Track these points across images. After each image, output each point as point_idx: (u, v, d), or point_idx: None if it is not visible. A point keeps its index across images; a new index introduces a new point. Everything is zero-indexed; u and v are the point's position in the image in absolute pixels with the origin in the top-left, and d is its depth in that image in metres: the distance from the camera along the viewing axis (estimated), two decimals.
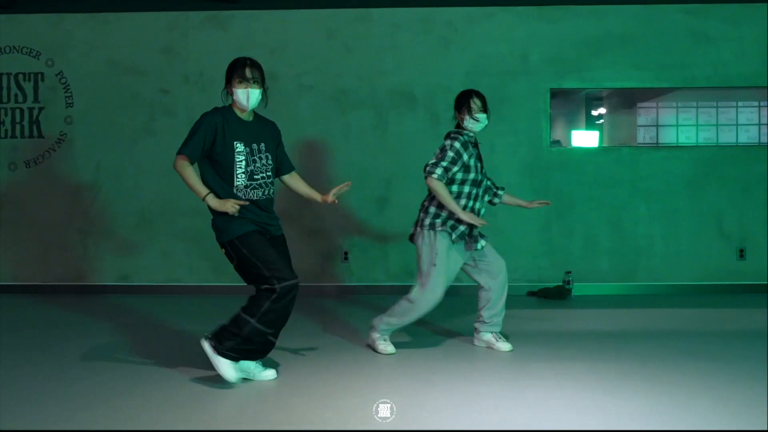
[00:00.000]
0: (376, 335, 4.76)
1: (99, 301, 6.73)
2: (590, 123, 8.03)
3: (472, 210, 4.71)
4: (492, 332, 4.88)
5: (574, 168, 7.10)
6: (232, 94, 4.06)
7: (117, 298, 6.91)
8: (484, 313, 4.86)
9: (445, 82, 7.08)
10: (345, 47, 7.11)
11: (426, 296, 4.61)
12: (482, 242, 4.74)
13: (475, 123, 4.75)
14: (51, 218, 7.21)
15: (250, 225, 3.95)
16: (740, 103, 7.26)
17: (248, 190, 3.96)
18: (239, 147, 3.96)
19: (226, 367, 3.89)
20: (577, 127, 7.80)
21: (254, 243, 3.92)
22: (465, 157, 4.65)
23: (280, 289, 3.83)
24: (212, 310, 6.29)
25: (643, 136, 7.35)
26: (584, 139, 7.60)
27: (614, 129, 7.65)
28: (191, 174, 3.94)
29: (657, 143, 7.31)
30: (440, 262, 4.60)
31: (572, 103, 7.69)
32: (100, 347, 4.95)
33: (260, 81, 4.08)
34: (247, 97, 4.02)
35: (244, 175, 3.95)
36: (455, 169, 4.60)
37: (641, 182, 7.10)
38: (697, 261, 7.13)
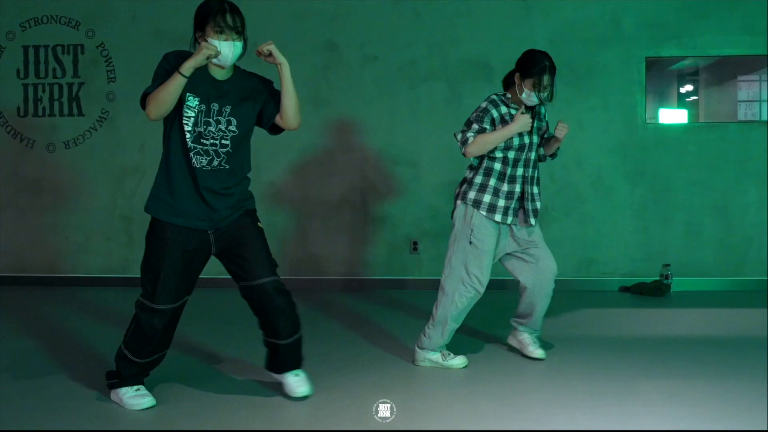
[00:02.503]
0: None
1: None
2: (680, 101, 7.28)
3: (522, 193, 4.02)
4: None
5: (673, 147, 6.33)
6: (202, 40, 3.27)
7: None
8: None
9: None
10: (414, 12, 6.43)
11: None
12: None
13: (534, 101, 4.00)
14: (93, 204, 6.69)
15: (171, 214, 3.37)
16: None
17: (192, 153, 3.28)
18: (192, 101, 3.26)
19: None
20: (665, 105, 7.06)
21: (158, 245, 3.42)
22: (495, 114, 3.96)
23: (139, 309, 3.40)
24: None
25: (745, 113, 6.56)
26: (672, 117, 6.89)
27: (711, 105, 6.89)
28: (159, 90, 3.22)
29: (760, 120, 6.48)
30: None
31: (662, 79, 6.94)
32: None
33: (242, 31, 3.31)
34: (230, 52, 3.27)
35: (189, 135, 3.27)
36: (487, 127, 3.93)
37: (751, 162, 6.32)
38: None
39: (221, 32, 3.22)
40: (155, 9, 6.57)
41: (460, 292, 3.98)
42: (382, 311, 5.56)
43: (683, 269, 6.31)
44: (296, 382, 3.50)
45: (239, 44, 3.28)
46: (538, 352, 4.18)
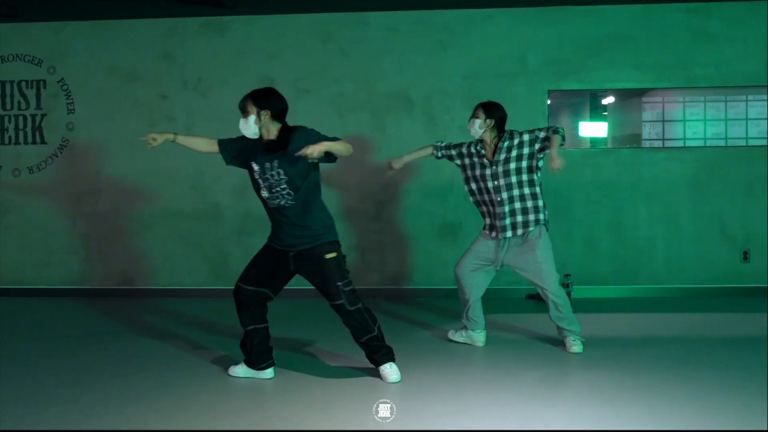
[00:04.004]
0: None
1: (101, 303, 6.82)
2: (597, 114, 7.94)
3: (492, 225, 5.06)
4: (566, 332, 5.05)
5: (573, 170, 6.98)
6: None
7: (119, 301, 6.98)
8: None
9: (442, 85, 7.07)
10: (342, 51, 7.11)
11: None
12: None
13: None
14: (54, 223, 7.32)
15: (270, 240, 4.43)
16: (750, 97, 7.12)
17: (270, 201, 4.32)
18: (255, 167, 4.30)
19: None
20: (583, 119, 7.71)
21: (260, 251, 4.47)
22: (464, 150, 5.15)
23: (235, 287, 4.42)
24: (211, 312, 6.37)
25: (649, 132, 7.21)
26: (592, 129, 7.55)
27: (619, 124, 7.55)
28: (201, 137, 4.78)
29: (663, 138, 7.18)
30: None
31: (578, 96, 7.63)
32: (115, 350, 5.06)
33: (246, 110, 4.33)
34: (241, 129, 4.36)
35: (265, 190, 4.29)
36: (448, 148, 5.21)
37: (642, 184, 7.03)
38: (700, 263, 7.03)
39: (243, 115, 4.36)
40: (110, 47, 7.24)
41: None
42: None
43: (582, 278, 6.99)
44: (387, 372, 4.30)
45: (243, 120, 4.33)
46: (575, 347, 4.95)
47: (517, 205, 4.92)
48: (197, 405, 3.92)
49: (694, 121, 7.19)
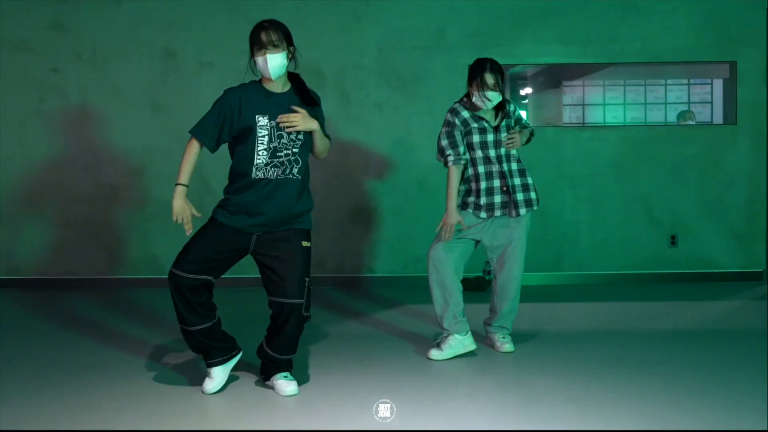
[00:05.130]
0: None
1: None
2: (516, 102, 7.67)
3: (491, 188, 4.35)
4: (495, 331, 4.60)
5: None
6: (254, 64, 3.65)
7: (6, 291, 6.48)
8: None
9: (355, 59, 6.67)
10: (248, 21, 6.44)
11: None
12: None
13: (486, 102, 4.31)
14: None
15: (227, 216, 3.66)
16: (669, 81, 6.89)
17: (268, 168, 3.61)
18: (262, 120, 3.59)
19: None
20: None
21: (202, 229, 3.70)
22: (458, 122, 4.34)
23: (170, 273, 3.64)
24: (113, 304, 5.95)
25: (569, 116, 6.98)
26: None
27: (539, 109, 7.28)
28: (186, 157, 3.66)
29: (583, 123, 6.91)
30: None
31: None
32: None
33: (283, 44, 3.60)
34: (266, 63, 3.56)
35: (266, 152, 3.60)
36: (458, 140, 4.32)
37: (566, 165, 6.72)
38: (626, 248, 6.77)
39: (259, 49, 3.57)
40: None
41: None
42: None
43: None
44: (285, 383, 3.72)
45: (278, 56, 3.55)
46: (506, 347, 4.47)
47: (520, 180, 4.41)
48: (190, 406, 3.64)
49: (614, 105, 6.97)
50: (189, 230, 3.65)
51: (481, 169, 4.33)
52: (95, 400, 3.67)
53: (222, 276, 3.76)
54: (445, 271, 4.34)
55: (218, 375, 3.77)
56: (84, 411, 3.53)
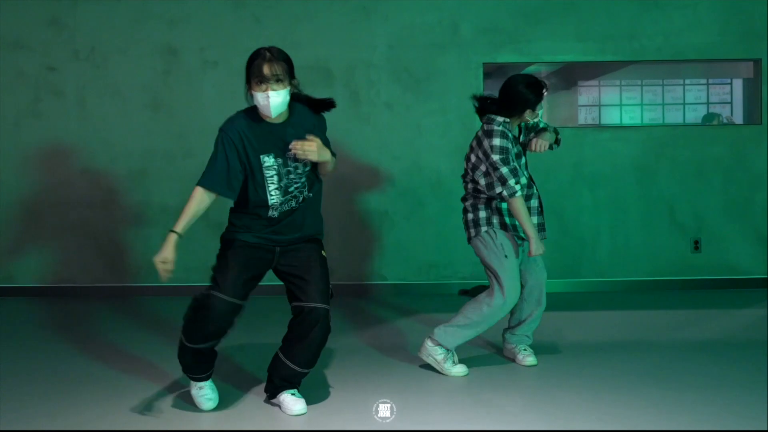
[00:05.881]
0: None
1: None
2: None
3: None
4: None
5: None
6: (251, 95, 3.36)
7: (3, 301, 6.30)
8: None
9: (365, 56, 6.53)
10: (253, 17, 6.49)
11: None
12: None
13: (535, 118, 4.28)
14: None
15: (246, 236, 3.47)
16: (687, 81, 6.73)
17: (284, 205, 3.43)
18: (268, 161, 3.37)
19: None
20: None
21: (230, 252, 3.47)
22: (510, 146, 4.10)
23: (201, 296, 3.41)
24: (115, 313, 5.83)
25: (585, 117, 6.84)
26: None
27: (554, 109, 7.12)
28: (188, 205, 3.38)
29: (599, 124, 6.73)
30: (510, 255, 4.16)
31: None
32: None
33: (286, 78, 3.32)
34: (267, 101, 3.28)
35: (278, 191, 3.40)
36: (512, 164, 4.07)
37: (585, 166, 6.56)
38: (648, 254, 6.63)
39: (260, 83, 3.27)
40: None
41: None
42: None
43: None
44: (293, 401, 3.55)
45: (282, 92, 3.29)
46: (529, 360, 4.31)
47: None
48: (188, 408, 3.63)
49: (630, 106, 6.83)
50: (165, 279, 3.37)
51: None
52: (94, 414, 3.57)
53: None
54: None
55: (211, 389, 3.66)
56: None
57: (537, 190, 4.30)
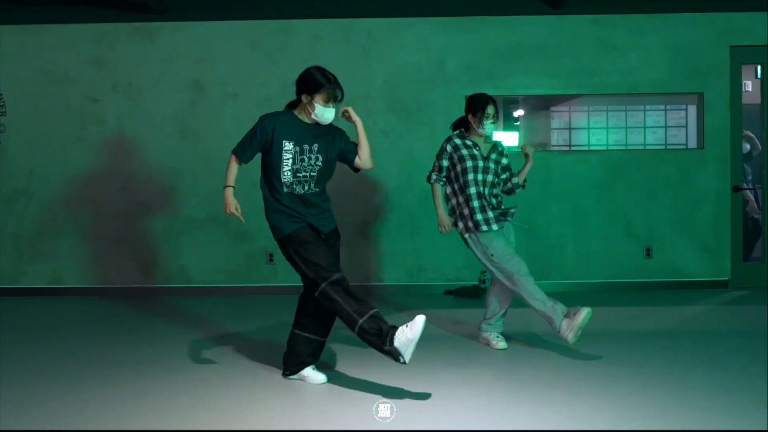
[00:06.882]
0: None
1: (32, 303, 6.98)
2: (509, 124, 8.33)
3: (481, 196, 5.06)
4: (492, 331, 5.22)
5: None
6: (308, 102, 4.21)
7: (51, 299, 7.11)
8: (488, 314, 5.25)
9: (364, 90, 7.34)
10: (268, 57, 7.34)
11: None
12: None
13: (487, 128, 5.10)
14: None
15: (298, 222, 4.19)
16: (647, 107, 7.60)
17: (294, 185, 4.18)
18: (288, 146, 4.16)
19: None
20: (496, 129, 8.07)
21: (299, 243, 4.14)
22: (448, 149, 5.09)
23: (322, 288, 4.05)
24: (139, 310, 6.56)
25: (557, 138, 7.63)
26: (505, 138, 7.92)
27: (529, 131, 7.94)
28: (230, 168, 4.26)
29: (569, 145, 7.61)
30: (494, 249, 4.99)
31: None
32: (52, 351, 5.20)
33: (342, 99, 4.24)
34: (323, 114, 4.17)
35: (289, 173, 4.15)
36: (443, 162, 5.10)
37: (553, 185, 7.39)
38: (607, 260, 7.42)
39: (328, 101, 4.16)
40: (41, 52, 7.37)
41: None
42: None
43: None
44: (315, 374, 4.30)
45: (336, 110, 4.22)
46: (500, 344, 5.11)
47: (496, 201, 5.15)
48: (192, 405, 3.88)
49: (597, 129, 7.62)
50: (242, 220, 4.34)
51: (472, 190, 5.03)
52: (141, 392, 4.17)
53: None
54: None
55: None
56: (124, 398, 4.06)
57: (489, 196, 5.07)
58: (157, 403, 3.92)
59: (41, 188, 7.40)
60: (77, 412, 3.81)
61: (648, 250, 7.40)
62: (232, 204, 4.18)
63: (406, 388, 4.10)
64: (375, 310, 3.97)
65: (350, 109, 4.34)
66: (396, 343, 3.77)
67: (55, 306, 6.87)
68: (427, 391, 4.06)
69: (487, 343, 5.18)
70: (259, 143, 4.21)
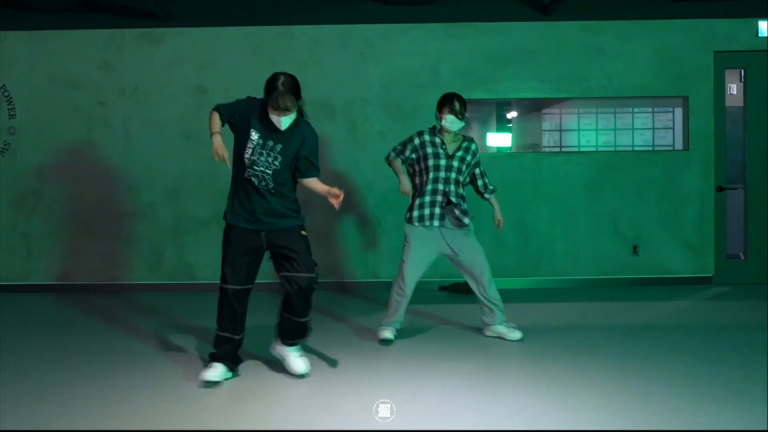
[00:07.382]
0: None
1: (43, 299, 7.18)
2: (502, 126, 8.57)
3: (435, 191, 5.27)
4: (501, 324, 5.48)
5: None
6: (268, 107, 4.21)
7: (61, 295, 7.33)
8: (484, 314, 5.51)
9: (362, 94, 7.59)
10: (270, 62, 7.55)
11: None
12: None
13: (453, 124, 5.33)
14: None
15: (236, 219, 4.34)
16: (635, 109, 7.85)
17: (249, 173, 4.25)
18: (254, 135, 4.22)
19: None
20: (490, 130, 8.30)
21: (227, 238, 4.36)
22: (416, 142, 5.32)
23: (221, 290, 4.36)
24: (148, 305, 6.78)
25: (548, 140, 7.87)
26: (498, 140, 8.14)
27: (522, 133, 8.17)
28: (213, 119, 4.26)
29: (560, 147, 7.86)
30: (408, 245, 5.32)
31: (485, 109, 8.21)
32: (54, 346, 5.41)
33: (294, 107, 4.20)
34: (279, 122, 4.21)
35: (248, 161, 4.23)
36: (407, 152, 5.32)
37: (543, 185, 7.64)
38: (595, 257, 7.66)
39: (274, 110, 4.18)
40: (50, 57, 7.59)
41: None
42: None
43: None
44: (297, 361, 4.43)
45: (287, 118, 4.20)
46: (515, 335, 5.37)
47: (457, 200, 5.32)
48: (189, 405, 3.91)
49: (587, 131, 7.87)
50: (228, 165, 4.23)
51: (429, 187, 5.27)
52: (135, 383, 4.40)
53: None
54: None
55: (219, 369, 4.33)
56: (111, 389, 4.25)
57: (451, 194, 5.29)
58: (156, 398, 4.05)
59: (50, 189, 7.64)
60: (85, 405, 3.96)
61: (635, 247, 7.65)
62: (221, 147, 4.17)
63: (406, 388, 4.19)
64: (237, 337, 4.40)
65: (339, 199, 4.41)
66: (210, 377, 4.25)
67: (62, 301, 7.03)
68: (427, 390, 4.16)
69: (501, 337, 5.43)
70: (235, 113, 4.27)
